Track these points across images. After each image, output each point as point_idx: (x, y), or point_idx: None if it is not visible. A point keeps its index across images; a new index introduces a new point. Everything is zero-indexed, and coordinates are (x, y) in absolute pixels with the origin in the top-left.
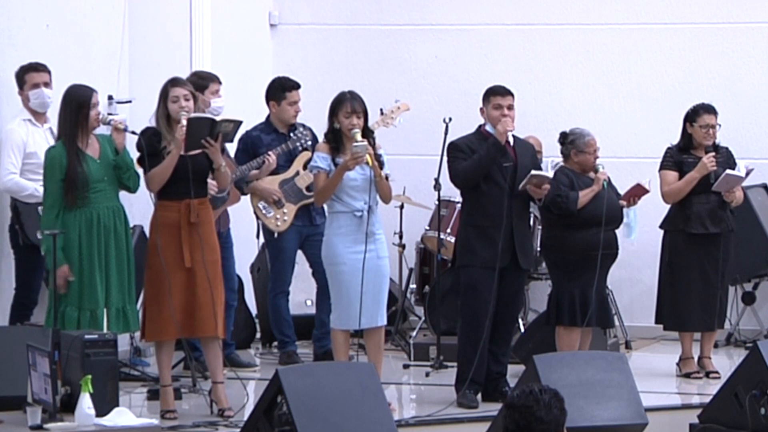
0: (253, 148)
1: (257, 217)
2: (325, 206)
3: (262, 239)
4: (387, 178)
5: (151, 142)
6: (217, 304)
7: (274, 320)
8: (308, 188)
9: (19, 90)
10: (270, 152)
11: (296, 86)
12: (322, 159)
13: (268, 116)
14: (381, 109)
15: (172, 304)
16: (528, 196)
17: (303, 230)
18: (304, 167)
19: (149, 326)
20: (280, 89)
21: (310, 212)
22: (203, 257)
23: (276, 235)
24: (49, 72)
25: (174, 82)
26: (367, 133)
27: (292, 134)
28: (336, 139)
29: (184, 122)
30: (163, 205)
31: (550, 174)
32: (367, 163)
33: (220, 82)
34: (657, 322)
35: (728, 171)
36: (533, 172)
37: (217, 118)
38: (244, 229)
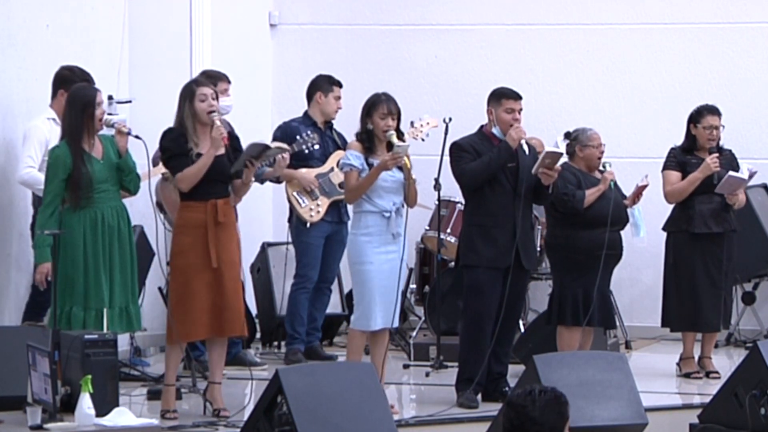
0: (292, 136)
1: (290, 206)
2: (351, 205)
3: (264, 239)
4: (414, 182)
5: (180, 143)
6: (241, 303)
7: (289, 314)
8: (341, 185)
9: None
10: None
11: (340, 84)
12: (355, 157)
13: (306, 111)
14: (411, 122)
15: (194, 304)
16: (537, 194)
17: (330, 227)
18: (338, 164)
19: (179, 327)
20: (329, 82)
21: (339, 209)
22: (228, 257)
23: (308, 225)
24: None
25: (198, 83)
26: (400, 134)
27: (298, 137)
28: (369, 140)
29: (218, 123)
30: (188, 205)
31: (563, 149)
32: (402, 166)
33: (229, 81)
34: (664, 325)
35: (731, 173)
36: (546, 149)
37: (272, 145)
38: (244, 229)
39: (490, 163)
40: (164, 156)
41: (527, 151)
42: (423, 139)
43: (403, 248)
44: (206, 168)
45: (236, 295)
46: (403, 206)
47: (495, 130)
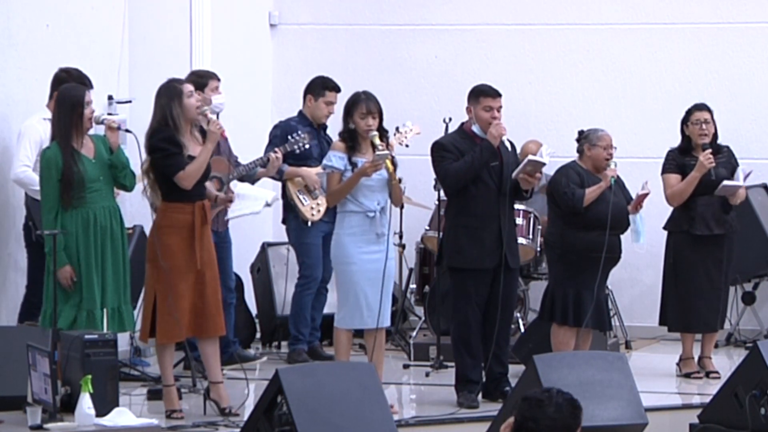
0: (291, 135)
1: (292, 206)
2: (337, 205)
3: (264, 239)
4: (399, 181)
5: (174, 141)
6: (220, 303)
7: (293, 314)
8: None
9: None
10: (276, 149)
11: (337, 89)
12: (338, 159)
13: (300, 111)
14: (396, 128)
15: (178, 305)
16: (516, 193)
17: (327, 226)
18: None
19: (161, 328)
20: (321, 86)
21: (336, 209)
22: (209, 258)
23: (309, 224)
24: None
25: (180, 81)
26: (382, 132)
27: (289, 137)
28: (352, 138)
29: (213, 116)
30: (175, 207)
31: (546, 160)
32: (386, 168)
33: (218, 79)
34: (661, 323)
35: (725, 182)
36: (530, 157)
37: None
38: (244, 229)
39: (473, 163)
40: (157, 155)
41: (509, 148)
42: (407, 145)
43: (388, 246)
44: (206, 162)
45: (216, 295)
46: (387, 205)
47: (475, 128)
